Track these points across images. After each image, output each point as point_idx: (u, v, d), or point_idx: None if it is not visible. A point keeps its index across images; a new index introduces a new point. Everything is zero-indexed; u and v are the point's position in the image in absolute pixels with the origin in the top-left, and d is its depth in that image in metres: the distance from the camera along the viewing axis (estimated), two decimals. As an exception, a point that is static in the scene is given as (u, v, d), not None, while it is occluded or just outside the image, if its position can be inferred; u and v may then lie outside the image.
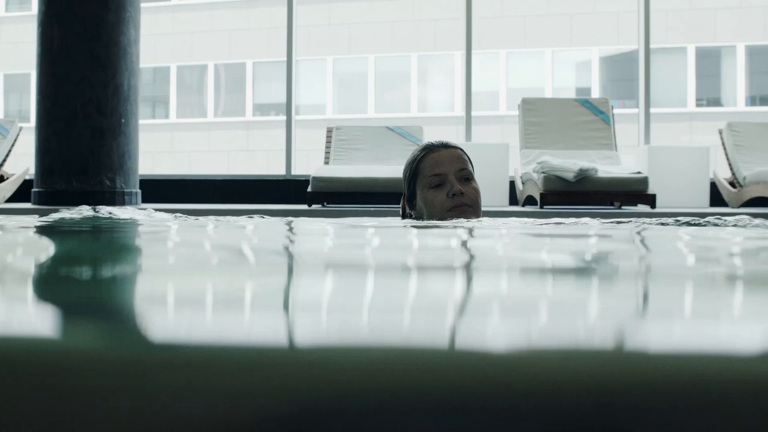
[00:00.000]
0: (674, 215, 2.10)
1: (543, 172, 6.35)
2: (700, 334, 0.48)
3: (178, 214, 2.07)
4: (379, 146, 7.40)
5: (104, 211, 1.95)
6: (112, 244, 1.31)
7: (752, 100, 15.94)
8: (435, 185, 2.02)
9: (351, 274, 0.81)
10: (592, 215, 2.13)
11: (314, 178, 6.66)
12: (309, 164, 8.95)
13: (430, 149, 2.09)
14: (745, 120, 8.01)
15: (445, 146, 2.10)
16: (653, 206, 6.34)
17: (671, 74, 15.46)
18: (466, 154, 2.12)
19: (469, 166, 2.09)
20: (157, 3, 16.85)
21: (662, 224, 1.82)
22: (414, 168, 2.08)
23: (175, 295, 0.65)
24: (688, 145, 11.21)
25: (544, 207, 6.27)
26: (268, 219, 1.95)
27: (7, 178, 7.57)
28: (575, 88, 16.26)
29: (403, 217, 2.19)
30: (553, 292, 0.68)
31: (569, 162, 6.41)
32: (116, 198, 6.28)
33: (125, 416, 0.36)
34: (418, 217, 2.09)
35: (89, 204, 2.07)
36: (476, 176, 2.09)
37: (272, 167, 13.27)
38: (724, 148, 7.45)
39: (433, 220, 2.02)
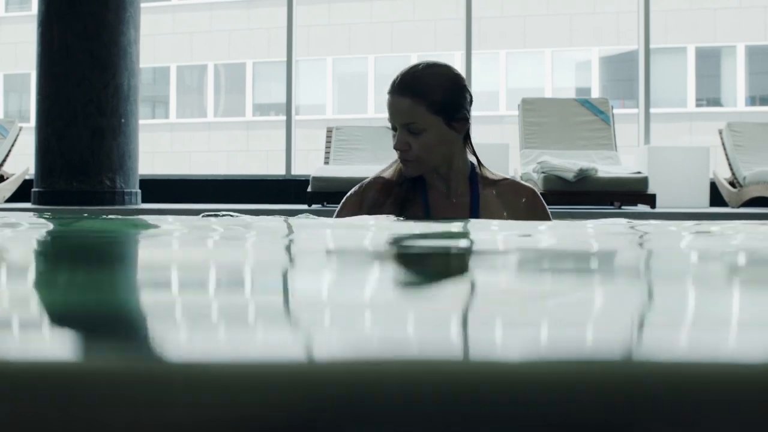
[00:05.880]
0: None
1: (543, 172, 6.36)
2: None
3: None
4: (379, 146, 7.40)
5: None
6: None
7: (752, 100, 15.94)
8: (391, 128, 1.96)
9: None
10: (592, 215, 2.11)
11: (314, 178, 6.67)
12: (309, 164, 8.96)
13: (389, 89, 1.94)
14: (745, 120, 8.02)
15: (399, 91, 1.91)
16: (653, 206, 6.34)
17: (671, 74, 15.46)
18: (433, 93, 1.89)
19: (422, 117, 1.89)
20: (157, 3, 16.85)
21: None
22: None
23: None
24: (688, 145, 11.21)
25: (544, 207, 6.26)
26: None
27: (7, 178, 7.57)
28: (575, 88, 16.26)
29: None
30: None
31: (569, 162, 6.41)
32: (116, 198, 6.29)
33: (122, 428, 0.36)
34: None
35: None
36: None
37: (272, 167, 13.27)
38: (724, 148, 7.45)
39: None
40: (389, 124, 1.97)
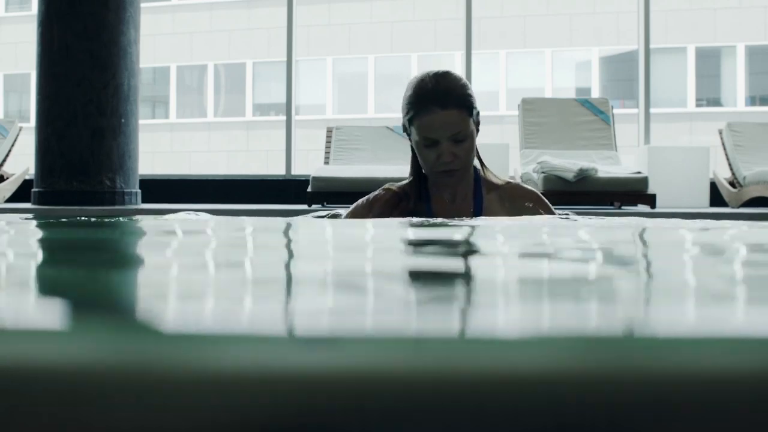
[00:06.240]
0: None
1: (543, 172, 6.36)
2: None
3: None
4: (379, 146, 7.40)
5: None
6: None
7: (752, 100, 15.95)
8: (427, 145, 1.93)
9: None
10: (592, 215, 2.11)
11: (314, 178, 6.67)
12: (309, 164, 8.96)
13: (423, 109, 1.91)
14: (745, 120, 8.02)
15: (441, 105, 1.90)
16: (653, 206, 6.34)
17: (671, 74, 15.47)
18: (467, 100, 1.94)
19: (466, 123, 1.93)
20: (157, 3, 16.85)
21: None
22: (409, 116, 1.95)
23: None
24: (688, 145, 11.22)
25: (544, 207, 6.27)
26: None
27: (7, 178, 7.58)
28: (575, 88, 16.27)
29: (412, 151, 2.07)
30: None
31: (569, 162, 6.42)
32: (116, 198, 6.29)
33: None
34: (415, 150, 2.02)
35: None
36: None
37: (272, 167, 13.27)
38: (724, 148, 7.45)
39: (425, 169, 1.98)
40: (419, 139, 1.94)
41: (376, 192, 2.07)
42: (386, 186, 2.08)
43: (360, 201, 2.06)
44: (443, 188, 2.00)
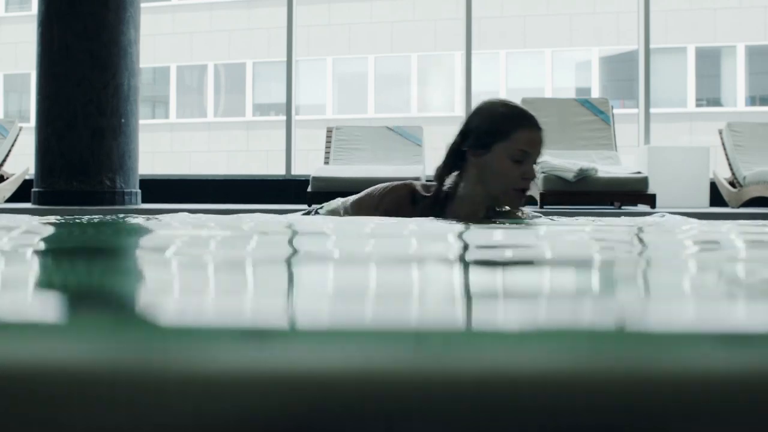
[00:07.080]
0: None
1: (543, 172, 6.36)
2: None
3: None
4: (379, 146, 7.40)
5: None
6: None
7: (752, 100, 15.93)
8: (517, 159, 2.00)
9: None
10: (592, 215, 2.13)
11: (314, 178, 6.67)
12: (309, 164, 8.95)
13: (528, 123, 2.03)
14: (745, 120, 8.01)
15: (539, 128, 2.05)
16: (653, 206, 6.34)
17: (671, 74, 15.45)
18: None
19: None
20: (157, 3, 16.84)
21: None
22: (504, 129, 2.01)
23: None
24: (688, 145, 11.20)
25: (544, 207, 6.27)
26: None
27: (7, 178, 7.57)
28: (575, 88, 16.25)
29: (450, 165, 2.08)
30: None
31: (569, 162, 6.41)
32: (116, 198, 6.28)
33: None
34: (479, 169, 2.04)
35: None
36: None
37: (272, 167, 13.26)
38: (724, 148, 7.45)
39: (493, 185, 2.02)
40: (512, 153, 2.00)
41: (395, 184, 2.11)
42: (408, 182, 2.11)
43: (374, 189, 2.11)
44: (489, 207, 2.05)
